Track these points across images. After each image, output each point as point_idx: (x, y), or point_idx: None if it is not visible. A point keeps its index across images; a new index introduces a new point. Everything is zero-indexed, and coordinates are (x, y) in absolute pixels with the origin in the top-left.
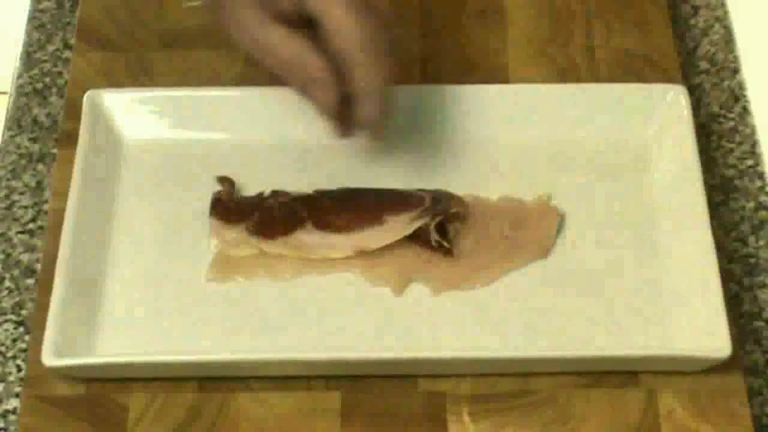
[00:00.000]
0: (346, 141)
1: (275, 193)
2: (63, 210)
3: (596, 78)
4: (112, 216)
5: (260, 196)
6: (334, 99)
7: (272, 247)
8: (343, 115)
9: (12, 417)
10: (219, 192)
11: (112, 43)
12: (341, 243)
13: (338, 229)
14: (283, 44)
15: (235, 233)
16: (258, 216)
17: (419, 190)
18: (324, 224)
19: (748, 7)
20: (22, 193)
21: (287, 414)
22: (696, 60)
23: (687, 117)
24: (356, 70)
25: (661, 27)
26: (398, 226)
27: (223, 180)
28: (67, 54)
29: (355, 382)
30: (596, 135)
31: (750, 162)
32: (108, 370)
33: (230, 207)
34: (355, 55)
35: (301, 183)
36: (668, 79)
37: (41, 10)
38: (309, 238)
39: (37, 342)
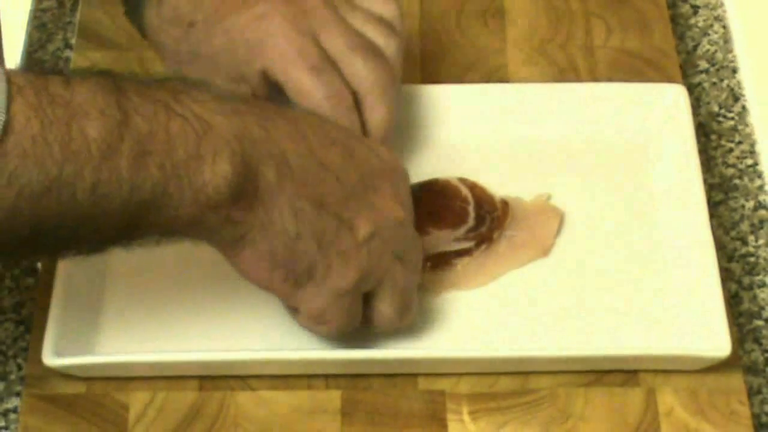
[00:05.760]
0: None
1: None
2: None
3: (596, 78)
4: None
5: None
6: None
7: None
8: None
9: (12, 416)
10: None
11: (113, 43)
12: None
13: None
14: None
15: None
16: None
17: (460, 179)
18: None
19: (747, 7)
20: None
21: (287, 413)
22: (695, 59)
23: (687, 116)
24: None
25: (660, 27)
26: (442, 240)
27: None
28: (67, 53)
29: (355, 382)
30: (596, 135)
31: (749, 161)
32: (108, 369)
33: None
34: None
35: None
36: (668, 79)
37: (42, 10)
38: None
39: (38, 341)
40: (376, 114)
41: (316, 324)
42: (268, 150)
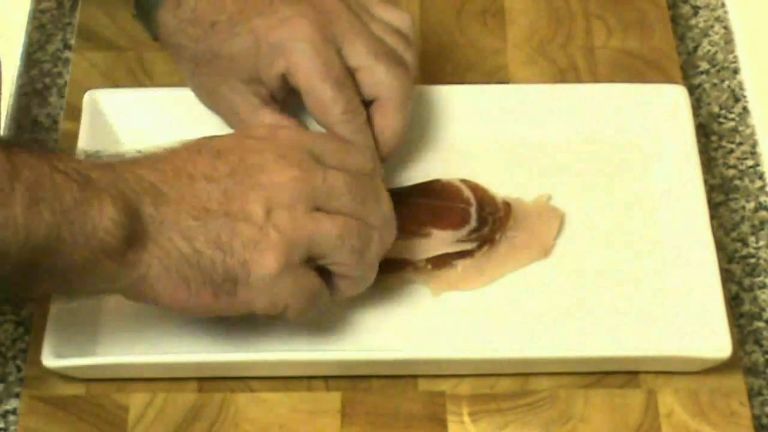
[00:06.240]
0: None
1: None
2: None
3: (596, 78)
4: None
5: None
6: None
7: None
8: None
9: (12, 417)
10: None
11: (112, 43)
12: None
13: None
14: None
15: None
16: None
17: (462, 180)
18: None
19: (748, 7)
20: None
21: (287, 414)
22: (696, 60)
23: (687, 117)
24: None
25: (661, 27)
26: (443, 242)
27: None
28: (67, 54)
29: (355, 382)
30: (596, 135)
31: (750, 162)
32: (108, 371)
33: None
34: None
35: None
36: (668, 79)
37: (41, 11)
38: None
39: (37, 342)
40: (394, 121)
41: (280, 315)
42: (141, 188)
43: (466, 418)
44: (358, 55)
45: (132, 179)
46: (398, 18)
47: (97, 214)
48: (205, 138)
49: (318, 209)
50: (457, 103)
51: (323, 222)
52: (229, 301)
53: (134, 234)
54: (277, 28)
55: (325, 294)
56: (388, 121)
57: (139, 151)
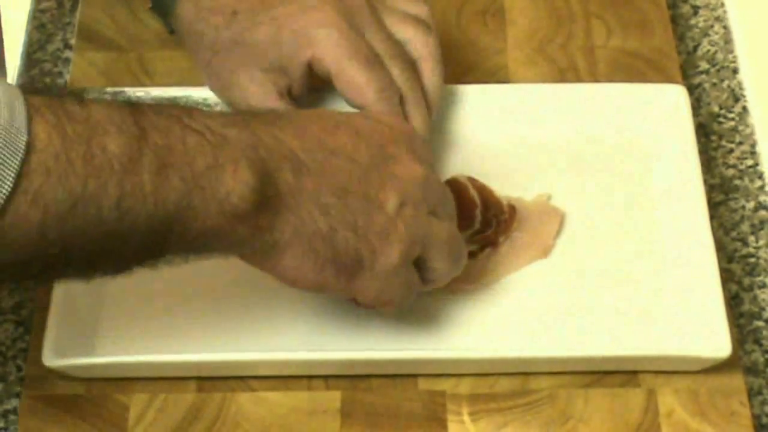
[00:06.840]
0: None
1: None
2: None
3: (596, 78)
4: None
5: None
6: None
7: None
8: None
9: (12, 417)
10: None
11: (112, 43)
12: None
13: None
14: None
15: None
16: None
17: (468, 178)
18: None
19: (748, 7)
20: None
21: (287, 414)
22: (696, 60)
23: (687, 117)
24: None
25: (661, 27)
26: None
27: None
28: (67, 54)
29: (355, 382)
30: (596, 135)
31: (750, 162)
32: (108, 370)
33: None
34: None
35: None
36: (668, 79)
37: (42, 10)
38: None
39: (38, 342)
40: (415, 121)
41: (377, 306)
42: (281, 153)
43: (466, 418)
44: (377, 50)
45: (272, 143)
46: (415, 7)
47: (230, 179)
48: (338, 113)
49: (431, 212)
50: (458, 103)
51: (437, 225)
52: (346, 284)
53: (267, 199)
54: (300, 15)
55: (416, 292)
56: (409, 118)
57: (271, 110)
